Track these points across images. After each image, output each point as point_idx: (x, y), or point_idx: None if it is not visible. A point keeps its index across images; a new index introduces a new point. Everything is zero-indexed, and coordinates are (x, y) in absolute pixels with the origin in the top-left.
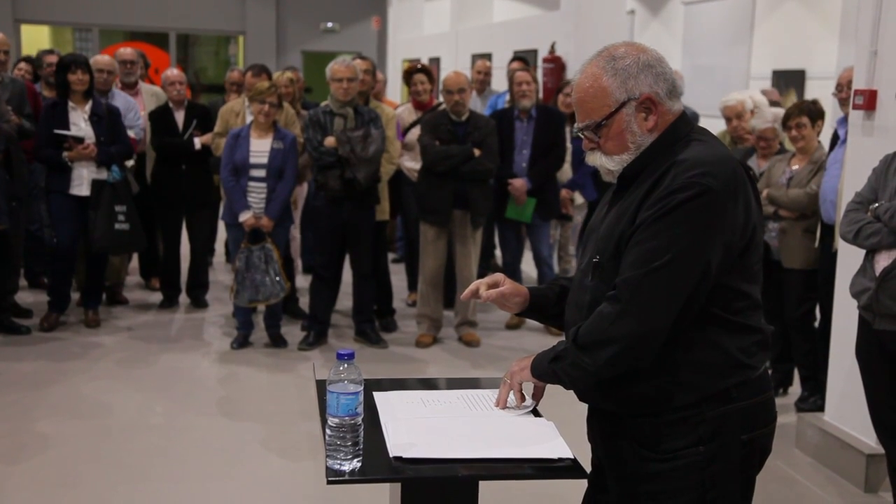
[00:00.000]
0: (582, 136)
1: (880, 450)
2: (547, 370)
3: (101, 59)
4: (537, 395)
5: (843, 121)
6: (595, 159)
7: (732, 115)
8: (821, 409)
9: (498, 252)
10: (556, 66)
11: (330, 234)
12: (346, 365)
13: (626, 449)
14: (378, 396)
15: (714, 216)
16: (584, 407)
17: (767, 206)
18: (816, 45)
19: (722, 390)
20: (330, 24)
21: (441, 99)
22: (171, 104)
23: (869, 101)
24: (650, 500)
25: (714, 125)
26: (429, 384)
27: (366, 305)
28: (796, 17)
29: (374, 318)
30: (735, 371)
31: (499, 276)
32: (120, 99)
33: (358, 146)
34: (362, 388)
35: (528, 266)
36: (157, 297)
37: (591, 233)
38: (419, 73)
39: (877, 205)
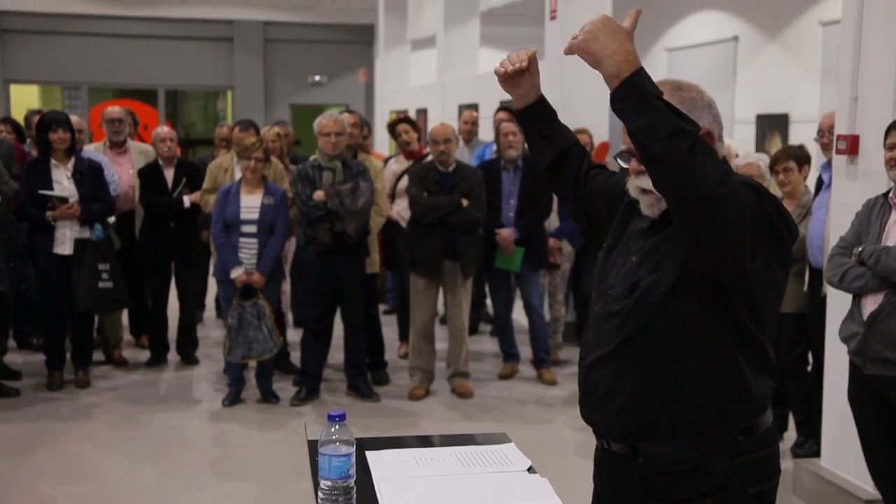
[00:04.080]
0: (629, 160)
1: (878, 495)
2: (646, 87)
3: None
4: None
5: (827, 165)
6: (645, 182)
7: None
8: (817, 454)
9: (489, 301)
10: None
11: (320, 288)
12: (337, 426)
13: (635, 496)
14: (371, 456)
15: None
16: (578, 461)
17: None
18: (799, 88)
19: (732, 438)
20: (317, 78)
21: (429, 148)
22: (160, 161)
23: (851, 146)
24: None
25: None
26: (422, 441)
27: (357, 359)
28: (778, 61)
29: (367, 372)
30: (742, 411)
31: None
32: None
33: (347, 199)
34: (354, 449)
35: (518, 314)
36: (146, 355)
37: (621, 258)
38: (402, 122)
39: (860, 249)
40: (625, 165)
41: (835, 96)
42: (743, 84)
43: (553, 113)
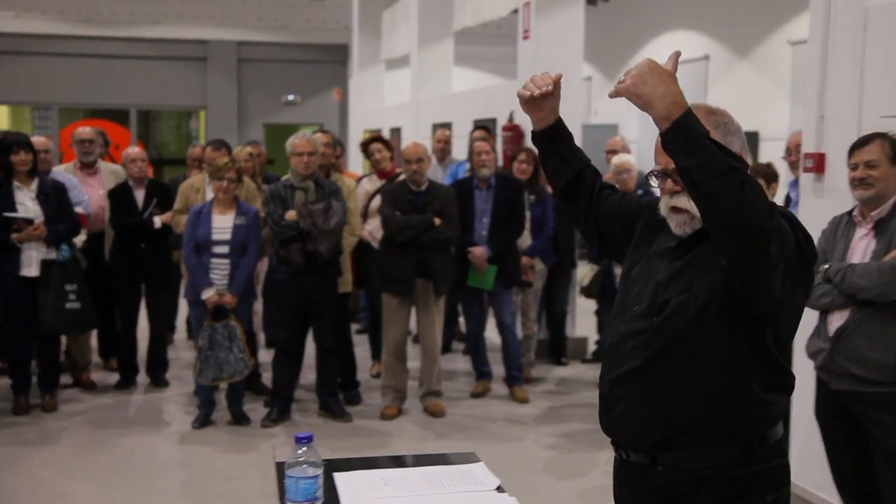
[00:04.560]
0: (663, 179)
1: None
2: (695, 128)
3: (35, 140)
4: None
5: (795, 183)
6: (681, 202)
7: None
8: None
9: (462, 320)
10: (515, 134)
11: (292, 308)
12: (304, 448)
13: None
14: (339, 477)
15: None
16: (549, 479)
17: None
18: (768, 107)
19: (748, 447)
20: (291, 97)
21: (401, 168)
22: (131, 182)
23: (818, 164)
24: None
25: None
26: (391, 461)
27: (329, 379)
28: (748, 79)
29: (339, 392)
30: (760, 424)
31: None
32: (59, 178)
33: (319, 219)
34: (321, 471)
35: (491, 332)
36: (115, 377)
37: (645, 277)
38: (375, 142)
39: (827, 266)
40: (657, 185)
41: (803, 115)
42: (714, 102)
43: (570, 134)
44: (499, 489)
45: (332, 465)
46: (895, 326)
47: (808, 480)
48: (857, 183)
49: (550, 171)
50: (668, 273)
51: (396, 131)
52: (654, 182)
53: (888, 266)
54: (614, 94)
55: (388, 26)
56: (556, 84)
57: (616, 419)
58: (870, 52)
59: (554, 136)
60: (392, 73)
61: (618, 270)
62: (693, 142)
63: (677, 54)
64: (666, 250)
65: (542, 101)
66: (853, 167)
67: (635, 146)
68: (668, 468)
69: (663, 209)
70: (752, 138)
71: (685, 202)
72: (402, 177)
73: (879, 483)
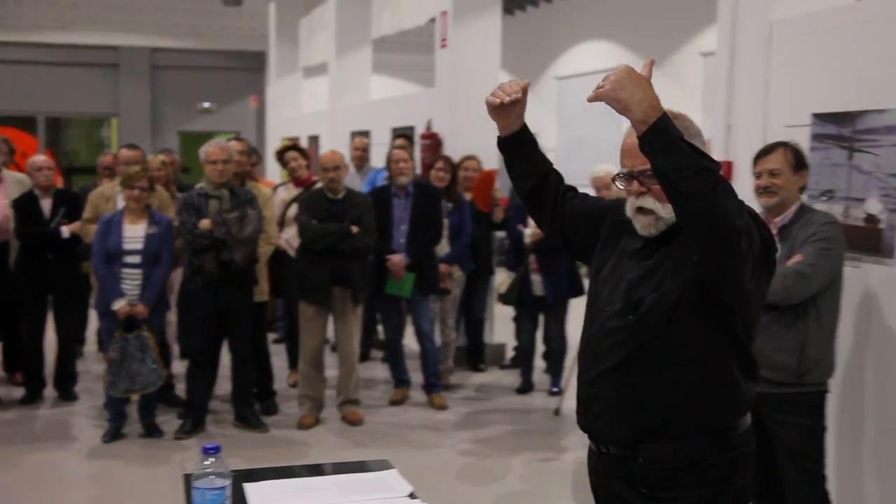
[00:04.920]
0: (629, 181)
1: None
2: (671, 131)
3: None
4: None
5: None
6: (647, 202)
7: (601, 185)
8: None
9: (380, 328)
10: (433, 142)
11: (206, 319)
12: (212, 459)
13: (632, 494)
14: (249, 488)
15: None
16: (464, 485)
17: None
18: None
19: (724, 435)
20: (207, 105)
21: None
22: (37, 191)
23: (726, 172)
24: None
25: None
26: (304, 470)
27: (245, 389)
28: (662, 89)
29: (255, 402)
30: (736, 411)
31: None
32: None
33: (234, 228)
34: (229, 481)
35: (409, 340)
36: (21, 392)
37: (614, 277)
38: (291, 150)
39: None
40: (623, 187)
41: (712, 124)
42: None
43: (535, 139)
44: (411, 496)
45: (245, 476)
46: (798, 329)
47: None
48: (761, 191)
49: (516, 175)
50: (639, 273)
51: (314, 139)
52: (619, 185)
53: (791, 271)
54: (593, 99)
55: (305, 34)
56: (524, 91)
57: (596, 416)
58: (774, 64)
59: (520, 141)
60: (310, 81)
61: (534, 277)
62: (669, 144)
63: (652, 62)
64: (633, 251)
65: (511, 107)
66: (758, 175)
67: (553, 154)
68: (649, 459)
69: (629, 210)
70: None
71: (651, 203)
72: (319, 185)
73: (783, 482)
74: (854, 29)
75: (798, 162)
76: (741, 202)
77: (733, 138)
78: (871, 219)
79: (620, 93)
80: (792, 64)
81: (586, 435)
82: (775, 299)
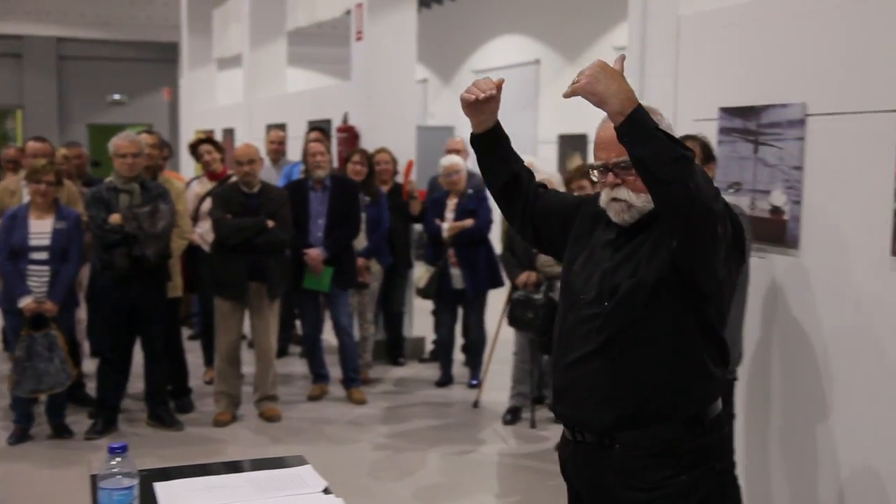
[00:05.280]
0: (604, 173)
1: None
2: (646, 121)
3: None
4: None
5: None
6: (621, 193)
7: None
8: None
9: (298, 323)
10: (350, 135)
11: (117, 315)
12: (118, 458)
13: (613, 480)
14: (160, 487)
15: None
16: (380, 479)
17: (555, 265)
18: (596, 110)
19: (698, 420)
20: (117, 97)
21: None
22: None
23: None
24: None
25: None
26: (219, 468)
27: (158, 387)
28: None
29: (169, 400)
30: (709, 396)
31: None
32: None
33: (145, 222)
34: (137, 481)
35: (328, 334)
36: None
37: (589, 267)
38: (204, 143)
39: None
40: (598, 179)
41: None
42: (545, 105)
43: (507, 136)
44: (326, 491)
45: (158, 475)
46: None
47: None
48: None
49: (489, 172)
50: (614, 262)
51: (229, 132)
52: (595, 177)
53: None
54: (570, 94)
55: (218, 25)
56: (499, 88)
57: (572, 404)
58: (682, 59)
59: (494, 138)
60: (224, 73)
61: (454, 271)
62: (646, 133)
63: (623, 57)
64: (607, 242)
65: (485, 104)
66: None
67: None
68: (626, 445)
69: (603, 201)
70: (582, 140)
71: (626, 194)
72: (233, 179)
73: None
74: (757, 25)
75: (706, 155)
76: (717, 188)
77: None
78: (775, 210)
79: (596, 86)
80: (699, 59)
81: (564, 426)
82: None
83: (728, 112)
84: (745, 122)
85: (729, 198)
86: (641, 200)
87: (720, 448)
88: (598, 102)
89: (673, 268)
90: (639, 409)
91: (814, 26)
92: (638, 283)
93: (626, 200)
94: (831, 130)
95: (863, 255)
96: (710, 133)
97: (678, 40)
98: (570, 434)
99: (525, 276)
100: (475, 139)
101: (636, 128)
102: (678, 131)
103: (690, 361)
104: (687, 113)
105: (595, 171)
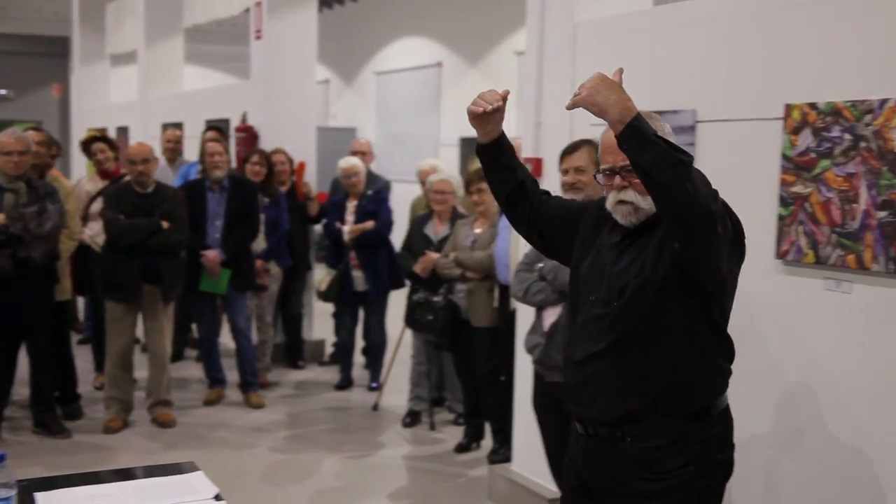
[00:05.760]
0: (611, 176)
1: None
2: (645, 128)
3: None
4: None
5: None
6: (628, 196)
7: (426, 178)
8: (509, 459)
9: (195, 326)
10: (249, 135)
11: (1, 319)
12: None
13: (625, 471)
14: (41, 498)
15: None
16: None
17: (454, 268)
18: None
19: (705, 413)
20: (3, 92)
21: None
22: None
23: (536, 168)
24: None
25: (407, 190)
26: (105, 476)
27: (45, 393)
28: (478, 87)
29: (56, 406)
30: (717, 389)
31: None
32: None
33: (32, 223)
34: (15, 492)
35: (226, 338)
36: None
37: (596, 269)
38: (97, 141)
39: (541, 265)
40: (605, 182)
41: (523, 121)
42: (447, 107)
43: (511, 146)
44: (217, 498)
45: (43, 483)
46: None
47: (529, 469)
48: (567, 187)
49: (496, 181)
50: (621, 263)
51: (123, 130)
52: (601, 179)
53: None
54: (572, 106)
55: (112, 20)
56: (504, 99)
57: (584, 400)
58: (578, 64)
59: (499, 147)
60: (118, 70)
61: (356, 273)
62: (645, 140)
63: (621, 70)
64: (613, 244)
65: (491, 115)
66: (564, 172)
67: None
68: (636, 438)
69: (610, 204)
70: None
71: (633, 196)
72: (127, 178)
73: None
74: (650, 33)
75: None
76: (715, 190)
77: (543, 135)
78: None
79: (597, 97)
80: (595, 65)
81: (576, 421)
82: None
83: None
84: None
85: None
86: (647, 203)
87: (724, 439)
88: (599, 112)
89: (678, 267)
90: (649, 404)
91: (704, 35)
92: (645, 283)
93: (633, 203)
94: (720, 137)
95: (749, 258)
96: None
97: (574, 46)
98: (583, 429)
99: (422, 264)
100: (482, 149)
101: (636, 135)
102: (574, 135)
103: (698, 357)
104: (583, 117)
105: (602, 175)
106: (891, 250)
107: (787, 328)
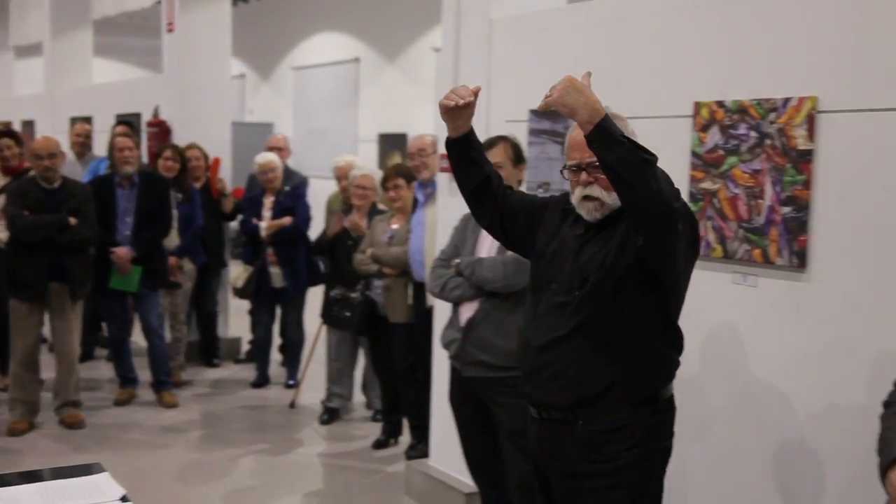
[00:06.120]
0: (577, 172)
1: (476, 488)
2: (613, 129)
3: None
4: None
5: (420, 186)
6: (594, 191)
7: (342, 175)
8: (427, 455)
9: (105, 324)
10: (161, 130)
11: None
12: None
13: (575, 453)
14: None
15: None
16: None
17: (371, 264)
18: (415, 110)
19: (653, 400)
20: None
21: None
22: None
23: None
24: (594, 494)
25: (325, 186)
26: (13, 478)
27: None
28: (397, 83)
29: None
30: (666, 379)
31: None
32: None
33: None
34: None
35: (138, 337)
36: None
37: (559, 259)
38: (5, 136)
39: (458, 260)
40: (570, 178)
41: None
42: (365, 104)
43: (479, 141)
44: (123, 499)
45: None
46: (517, 315)
47: (444, 463)
48: None
49: (463, 175)
50: (583, 253)
51: (29, 124)
52: (567, 175)
53: (511, 259)
54: (544, 108)
55: (16, 10)
56: (475, 95)
57: (541, 384)
58: (494, 61)
59: (468, 142)
60: (23, 62)
61: (273, 270)
62: (612, 140)
63: (589, 73)
64: (576, 236)
65: (462, 110)
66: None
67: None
68: (588, 421)
69: (576, 199)
70: (402, 139)
71: (598, 192)
72: (31, 173)
73: (504, 459)
74: (565, 30)
75: (517, 156)
76: (677, 189)
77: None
78: None
79: (567, 99)
80: (510, 62)
81: (531, 405)
82: (497, 286)
83: (537, 114)
84: (554, 124)
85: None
86: (612, 198)
87: (668, 425)
88: (569, 113)
89: (638, 261)
90: (603, 390)
91: (616, 33)
92: (606, 274)
93: (599, 198)
94: (632, 134)
95: None
96: (521, 134)
97: (490, 43)
98: (537, 412)
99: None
100: (450, 143)
101: (604, 135)
102: (490, 132)
103: (651, 347)
104: (499, 114)
105: (568, 171)
106: (794, 245)
107: (696, 322)
